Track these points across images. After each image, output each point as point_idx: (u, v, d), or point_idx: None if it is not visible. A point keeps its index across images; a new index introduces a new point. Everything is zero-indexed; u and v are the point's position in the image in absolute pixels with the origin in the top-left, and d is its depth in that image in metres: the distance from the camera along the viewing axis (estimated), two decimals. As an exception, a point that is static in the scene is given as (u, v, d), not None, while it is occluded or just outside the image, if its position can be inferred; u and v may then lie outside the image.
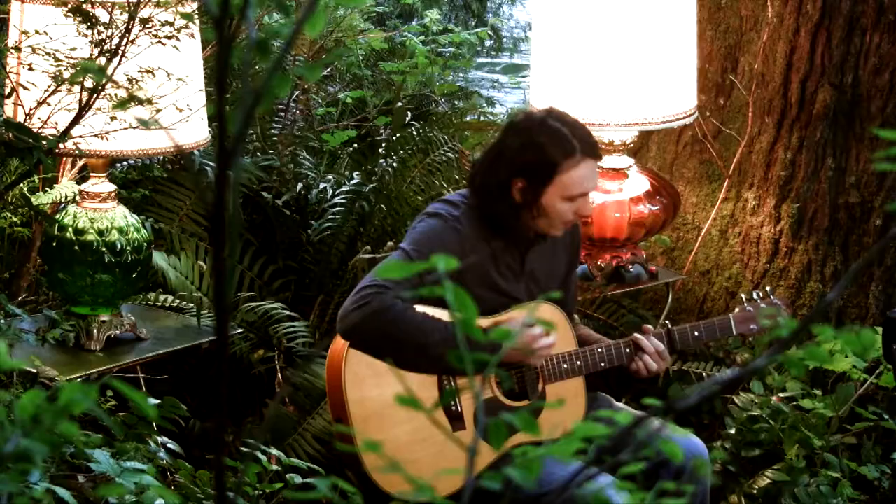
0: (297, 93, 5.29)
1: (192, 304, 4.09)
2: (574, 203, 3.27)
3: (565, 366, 3.37)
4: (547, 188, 3.24)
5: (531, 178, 3.24)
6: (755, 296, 3.65)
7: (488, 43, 9.05)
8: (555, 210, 3.26)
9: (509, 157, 3.26)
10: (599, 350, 3.40)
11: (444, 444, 3.21)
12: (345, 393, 3.22)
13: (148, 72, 3.43)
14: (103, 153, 3.59)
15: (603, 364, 3.40)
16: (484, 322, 3.20)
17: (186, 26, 3.44)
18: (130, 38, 3.38)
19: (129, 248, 3.74)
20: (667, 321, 3.53)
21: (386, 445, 3.18)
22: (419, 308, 3.17)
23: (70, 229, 3.72)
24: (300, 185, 4.74)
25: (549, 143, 3.23)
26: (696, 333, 3.51)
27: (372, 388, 3.22)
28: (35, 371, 3.43)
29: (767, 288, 3.74)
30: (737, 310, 3.63)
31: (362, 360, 3.22)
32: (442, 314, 3.17)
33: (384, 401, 3.22)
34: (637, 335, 3.43)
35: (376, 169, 4.68)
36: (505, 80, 8.56)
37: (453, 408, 3.26)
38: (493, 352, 3.11)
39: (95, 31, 3.38)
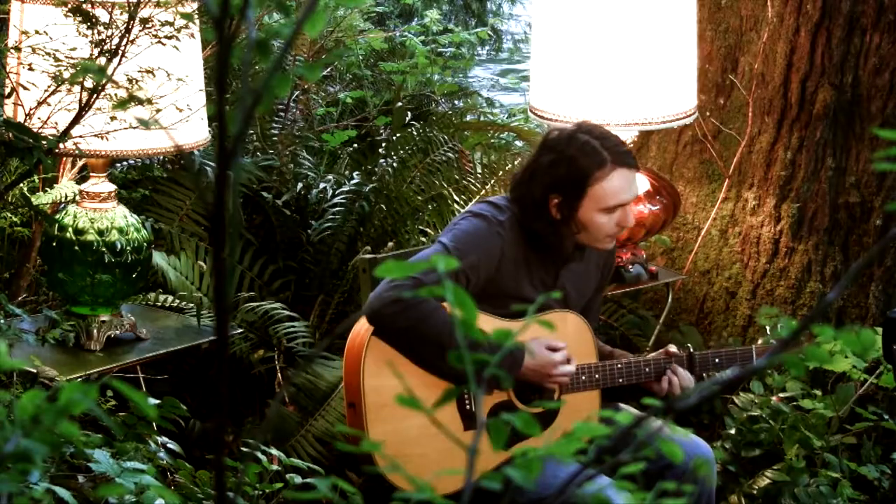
0: (297, 93, 5.29)
1: (192, 304, 4.09)
2: (613, 214, 3.26)
3: (584, 378, 3.37)
4: (582, 202, 3.23)
5: (565, 193, 3.24)
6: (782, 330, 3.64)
7: (488, 43, 9.04)
8: (593, 223, 3.25)
9: (542, 173, 3.26)
10: (619, 366, 3.39)
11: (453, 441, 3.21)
12: (362, 378, 3.20)
13: (148, 72, 3.43)
14: (103, 153, 3.59)
15: (621, 380, 3.39)
16: (509, 325, 3.19)
17: (186, 26, 3.44)
18: (130, 38, 3.38)
19: (129, 248, 3.74)
20: (689, 346, 3.51)
21: (396, 437, 3.18)
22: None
23: (70, 229, 3.72)
24: (300, 185, 4.74)
25: (579, 156, 3.23)
26: (717, 360, 3.49)
27: (390, 377, 3.21)
28: (35, 371, 3.43)
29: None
30: (760, 341, 3.64)
31: (385, 347, 3.21)
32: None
33: (400, 391, 3.21)
34: (665, 363, 3.41)
35: (376, 169, 4.68)
36: (505, 80, 8.56)
37: (468, 406, 3.26)
38: (511, 362, 3.07)
39: (95, 31, 3.38)
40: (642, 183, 4.34)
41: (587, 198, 3.23)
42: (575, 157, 3.23)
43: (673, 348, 3.44)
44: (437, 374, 3.19)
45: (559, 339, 3.31)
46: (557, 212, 3.26)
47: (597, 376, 3.38)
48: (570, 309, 3.38)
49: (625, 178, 3.26)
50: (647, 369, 3.41)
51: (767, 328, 3.71)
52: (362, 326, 3.23)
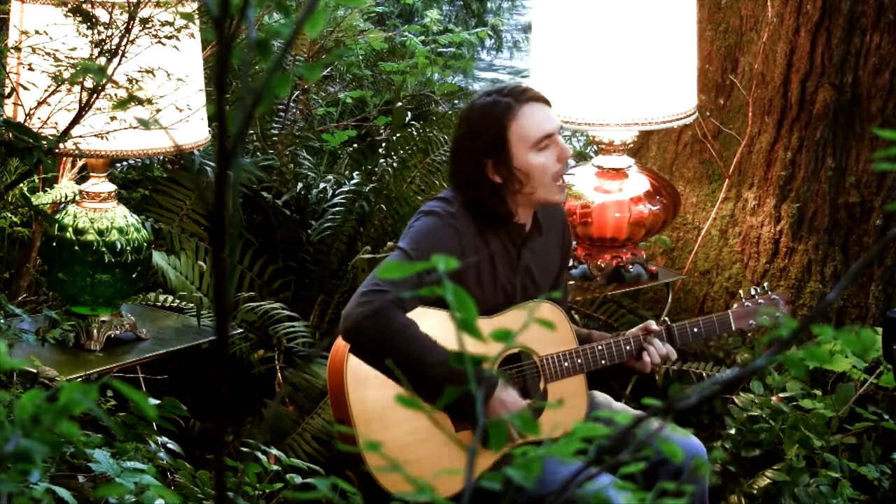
0: (297, 93, 5.29)
1: (192, 304, 4.09)
2: (547, 151, 3.28)
3: (566, 364, 3.37)
4: (509, 150, 3.26)
5: (492, 152, 3.27)
6: (754, 292, 3.66)
7: (488, 43, 9.05)
8: (532, 167, 3.27)
9: (464, 147, 3.31)
10: (600, 347, 3.40)
11: (446, 445, 3.21)
12: (347, 393, 3.21)
13: (148, 72, 3.43)
14: (103, 153, 3.59)
15: (604, 361, 3.40)
16: (483, 323, 3.19)
17: (186, 26, 3.44)
18: (130, 38, 3.38)
19: (129, 248, 3.74)
20: (666, 318, 3.53)
21: (388, 445, 3.18)
22: (421, 319, 3.17)
23: (70, 229, 3.72)
24: (300, 185, 4.74)
25: (485, 114, 3.28)
26: (696, 330, 3.52)
27: (374, 388, 3.22)
28: (35, 371, 3.43)
29: (766, 284, 3.75)
30: (735, 306, 3.64)
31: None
32: (444, 325, 3.17)
33: (386, 401, 3.21)
34: (645, 341, 3.42)
35: (376, 169, 4.68)
36: (505, 80, 8.55)
37: (458, 408, 3.25)
38: (489, 387, 3.06)
39: (95, 31, 3.38)
40: (642, 183, 4.35)
41: (511, 144, 3.26)
42: (481, 116, 3.28)
43: (652, 324, 3.45)
44: (414, 389, 3.18)
45: (534, 329, 3.30)
46: (495, 173, 3.27)
47: (579, 361, 3.38)
48: (538, 288, 3.38)
49: (536, 111, 3.29)
50: (627, 347, 3.41)
51: (741, 292, 3.72)
52: (341, 342, 3.24)
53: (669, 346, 3.43)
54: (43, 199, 4.09)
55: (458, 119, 3.39)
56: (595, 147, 4.49)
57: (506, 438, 1.35)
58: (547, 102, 3.33)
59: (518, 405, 3.23)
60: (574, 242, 4.35)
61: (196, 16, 3.69)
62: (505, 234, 3.33)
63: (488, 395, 3.20)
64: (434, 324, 3.18)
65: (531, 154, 3.27)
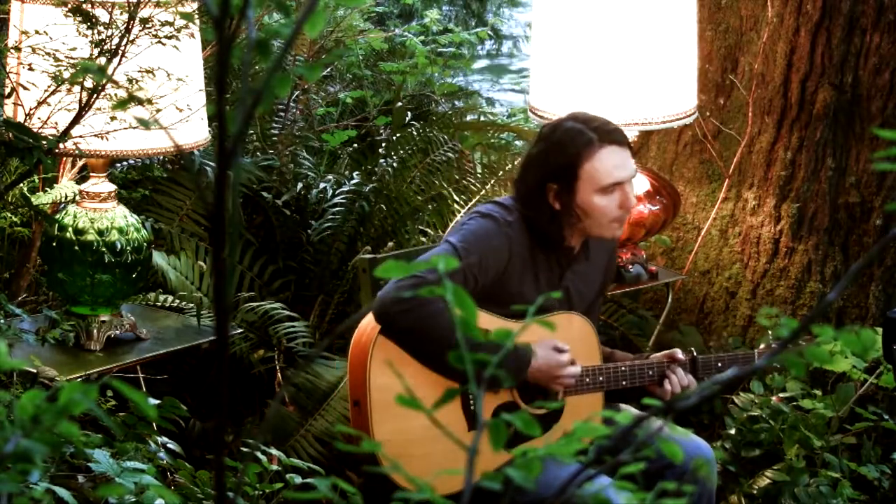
0: (297, 93, 5.29)
1: (192, 304, 4.09)
2: (612, 196, 3.26)
3: (587, 380, 3.36)
4: (577, 185, 3.24)
5: (559, 180, 3.25)
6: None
7: (488, 43, 9.05)
8: (594, 207, 3.26)
9: (535, 164, 3.29)
10: (623, 368, 3.39)
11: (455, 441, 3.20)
12: (368, 376, 3.20)
13: (148, 72, 3.43)
14: (103, 153, 3.59)
15: (624, 383, 3.39)
16: (512, 325, 3.19)
17: (186, 26, 3.44)
18: (130, 38, 3.38)
19: (129, 248, 3.74)
20: (692, 350, 3.51)
21: (401, 436, 3.18)
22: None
23: (70, 229, 3.72)
24: (300, 185, 4.74)
25: (566, 140, 3.26)
26: (720, 364, 3.50)
27: (396, 376, 3.21)
28: (35, 371, 3.43)
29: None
30: (762, 345, 3.65)
31: (392, 346, 3.20)
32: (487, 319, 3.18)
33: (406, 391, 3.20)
34: (667, 365, 3.41)
35: (376, 169, 4.68)
36: (505, 80, 8.56)
37: (472, 406, 3.26)
38: (518, 363, 3.07)
39: (95, 31, 3.38)
40: (642, 183, 4.34)
41: (581, 180, 3.24)
42: (562, 141, 3.26)
43: (679, 353, 3.44)
44: (444, 373, 3.18)
45: (563, 340, 3.31)
46: (556, 200, 3.26)
47: (601, 378, 3.38)
48: (573, 311, 3.38)
49: (616, 155, 3.26)
50: (650, 372, 3.41)
51: (768, 329, 3.72)
52: (369, 324, 3.22)
53: (691, 377, 3.42)
54: (43, 199, 4.09)
55: (539, 134, 3.36)
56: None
57: (505, 438, 1.35)
58: (630, 147, 3.32)
59: (556, 362, 3.24)
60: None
61: (196, 16, 3.69)
62: (553, 255, 3.33)
63: (525, 365, 3.22)
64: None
65: (596, 196, 3.25)
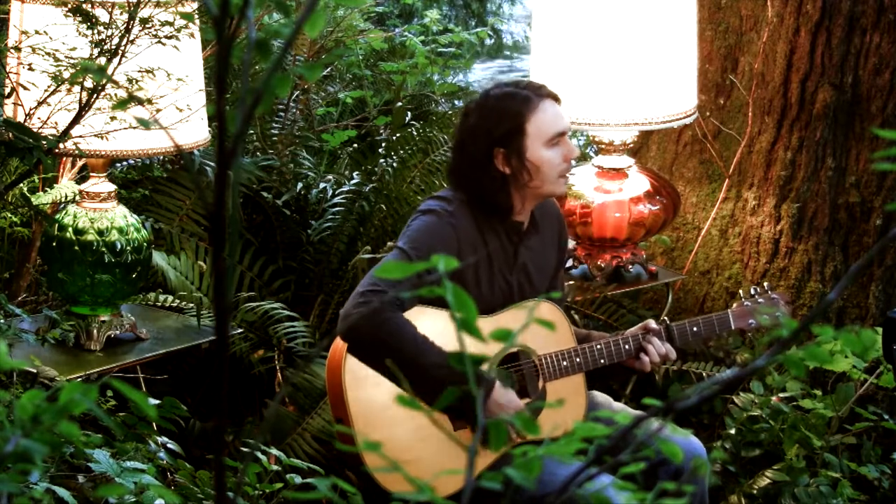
0: (297, 93, 5.29)
1: (192, 304, 4.09)
2: (559, 148, 3.31)
3: (565, 363, 3.37)
4: (524, 142, 3.28)
5: (506, 141, 3.28)
6: (753, 292, 3.66)
7: (488, 42, 9.05)
8: (543, 161, 3.29)
9: (476, 135, 3.31)
10: (599, 347, 3.40)
11: (445, 444, 3.21)
12: (345, 393, 3.21)
13: (148, 72, 3.43)
14: (103, 153, 3.59)
15: (603, 361, 3.40)
16: (481, 322, 3.19)
17: (186, 26, 3.44)
18: (130, 38, 3.38)
19: (129, 248, 3.74)
20: (665, 318, 3.53)
21: (387, 445, 3.18)
22: (420, 319, 3.17)
23: (70, 229, 3.72)
24: (300, 185, 4.74)
25: (504, 104, 3.30)
26: (695, 329, 3.52)
27: (372, 387, 3.22)
28: (35, 371, 3.43)
29: (766, 284, 3.75)
30: (735, 305, 3.64)
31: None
32: (443, 325, 3.17)
33: (385, 400, 3.21)
34: (643, 340, 3.42)
35: (376, 169, 4.68)
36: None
37: (457, 407, 3.26)
38: (487, 387, 3.06)
39: (95, 31, 3.38)
40: (642, 183, 4.35)
41: (528, 136, 3.28)
42: (499, 107, 3.30)
43: (653, 323, 3.45)
44: (412, 387, 3.18)
45: (533, 328, 3.30)
46: (505, 164, 3.29)
47: (578, 360, 3.38)
48: (534, 286, 3.38)
49: (553, 107, 3.32)
50: (626, 347, 3.42)
51: (741, 292, 3.72)
52: (339, 342, 3.24)
53: (668, 346, 3.43)
54: (43, 199, 4.09)
55: (467, 109, 3.38)
56: (595, 147, 4.49)
57: (506, 438, 1.35)
58: (559, 101, 3.37)
59: (515, 405, 3.23)
60: (574, 242, 4.35)
61: (196, 16, 3.69)
62: (503, 233, 3.33)
63: (486, 395, 3.20)
64: (432, 323, 3.18)
65: (544, 149, 3.29)
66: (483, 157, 3.29)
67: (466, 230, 3.27)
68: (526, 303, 3.34)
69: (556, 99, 3.34)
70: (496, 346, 3.07)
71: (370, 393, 3.22)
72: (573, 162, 3.40)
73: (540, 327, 3.31)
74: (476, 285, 3.27)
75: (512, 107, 3.29)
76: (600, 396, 3.54)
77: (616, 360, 3.41)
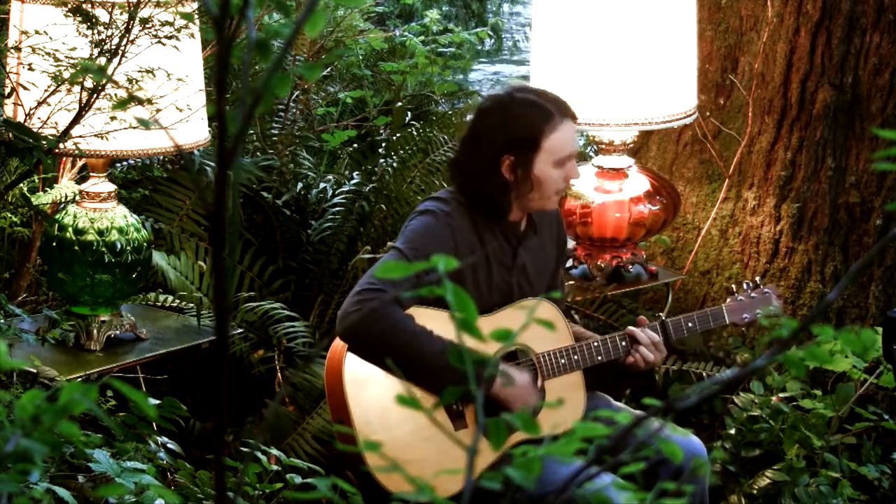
0: (297, 93, 5.29)
1: (192, 304, 4.09)
2: (563, 168, 3.30)
3: (562, 361, 3.37)
4: (536, 156, 3.27)
5: (518, 151, 3.27)
6: (746, 286, 3.67)
7: (488, 43, 9.05)
8: (547, 178, 3.29)
9: (491, 137, 3.29)
10: (595, 344, 3.41)
11: (446, 444, 3.21)
12: (345, 394, 3.21)
13: (148, 72, 3.43)
14: (103, 153, 3.59)
15: (600, 357, 3.40)
16: (480, 322, 3.19)
17: (186, 26, 3.44)
18: (130, 38, 3.38)
19: (129, 248, 3.74)
20: (660, 314, 3.54)
21: (388, 445, 3.18)
22: (418, 319, 3.17)
23: (70, 229, 3.72)
24: (300, 185, 4.74)
25: (528, 114, 3.28)
26: (690, 324, 3.53)
27: (373, 388, 3.22)
28: (35, 371, 3.43)
29: (758, 279, 3.76)
30: (728, 300, 3.65)
31: (361, 360, 3.22)
32: (441, 325, 3.17)
33: (386, 401, 3.21)
34: (632, 328, 3.45)
35: (376, 169, 4.68)
36: (505, 79, 8.56)
37: (455, 406, 3.26)
38: (486, 379, 3.08)
39: (95, 31, 3.38)
40: (642, 183, 4.35)
41: (541, 152, 3.27)
42: (522, 114, 3.28)
43: (646, 320, 3.47)
44: (414, 382, 3.18)
45: (531, 328, 3.30)
46: (511, 172, 3.28)
47: (575, 357, 3.38)
48: (533, 286, 3.39)
49: (571, 129, 3.32)
50: (623, 343, 3.43)
51: (734, 286, 3.73)
52: (338, 343, 3.24)
53: (652, 334, 3.43)
54: (43, 199, 4.09)
55: (484, 109, 3.35)
56: (595, 147, 4.49)
57: (506, 437, 1.35)
58: (577, 120, 3.38)
59: (527, 390, 3.23)
60: (574, 242, 4.35)
61: (196, 16, 3.69)
62: (500, 233, 3.34)
63: (485, 392, 3.20)
64: (430, 324, 3.18)
65: (551, 167, 3.29)
66: (492, 158, 3.28)
67: (464, 231, 3.27)
68: (523, 301, 3.35)
69: (575, 119, 3.34)
70: (495, 345, 3.09)
71: (371, 395, 3.22)
72: (572, 182, 3.42)
73: (537, 326, 3.33)
74: (474, 285, 3.27)
75: (534, 118, 3.27)
76: (601, 396, 3.54)
77: (613, 356, 3.42)
